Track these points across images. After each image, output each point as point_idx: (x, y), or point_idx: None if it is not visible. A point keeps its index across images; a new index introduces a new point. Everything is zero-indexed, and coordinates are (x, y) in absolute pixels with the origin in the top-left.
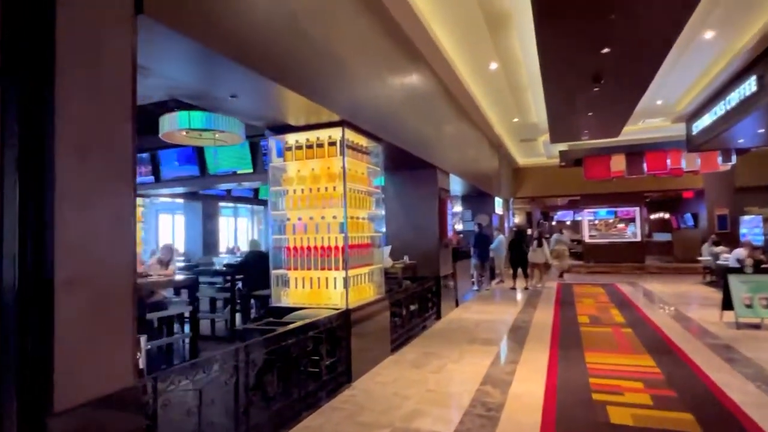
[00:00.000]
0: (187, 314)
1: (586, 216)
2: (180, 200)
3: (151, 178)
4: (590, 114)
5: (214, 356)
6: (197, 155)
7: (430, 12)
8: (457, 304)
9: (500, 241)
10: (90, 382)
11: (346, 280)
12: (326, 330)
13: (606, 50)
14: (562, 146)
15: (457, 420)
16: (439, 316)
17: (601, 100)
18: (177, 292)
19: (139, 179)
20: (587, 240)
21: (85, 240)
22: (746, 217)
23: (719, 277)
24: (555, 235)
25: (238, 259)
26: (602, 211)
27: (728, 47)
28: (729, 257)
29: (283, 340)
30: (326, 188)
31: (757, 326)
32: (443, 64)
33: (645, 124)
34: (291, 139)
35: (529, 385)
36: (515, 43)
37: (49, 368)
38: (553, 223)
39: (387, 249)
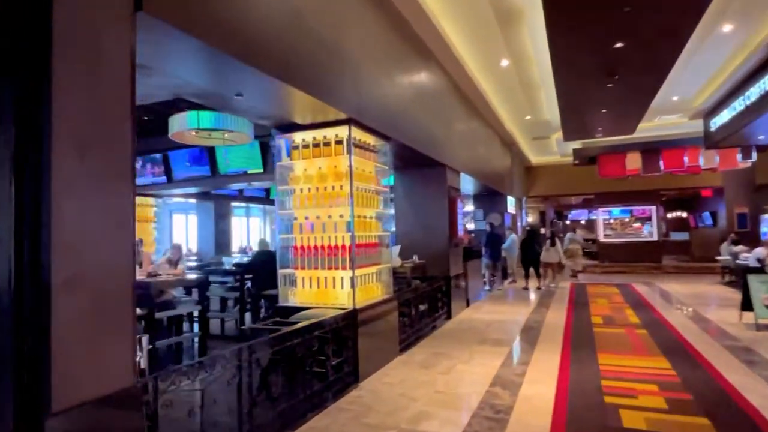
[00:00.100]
0: (196, 313)
1: (600, 215)
2: (193, 200)
3: (164, 178)
4: (604, 111)
5: (216, 356)
6: (208, 155)
7: (439, 8)
8: (468, 304)
9: (512, 240)
10: (88, 382)
11: (353, 279)
12: (332, 330)
13: (619, 45)
14: (576, 144)
15: (465, 422)
16: (449, 316)
17: (615, 97)
18: (188, 292)
19: (151, 180)
20: (602, 239)
21: (83, 240)
22: (767, 216)
23: (738, 277)
24: (568, 235)
25: (248, 258)
26: (617, 210)
27: (747, 40)
28: (749, 257)
29: (287, 340)
30: (333, 187)
31: None
32: (453, 61)
33: (661, 121)
34: (298, 137)
35: (540, 386)
36: (526, 39)
37: (47, 368)
38: (567, 222)
39: (396, 248)
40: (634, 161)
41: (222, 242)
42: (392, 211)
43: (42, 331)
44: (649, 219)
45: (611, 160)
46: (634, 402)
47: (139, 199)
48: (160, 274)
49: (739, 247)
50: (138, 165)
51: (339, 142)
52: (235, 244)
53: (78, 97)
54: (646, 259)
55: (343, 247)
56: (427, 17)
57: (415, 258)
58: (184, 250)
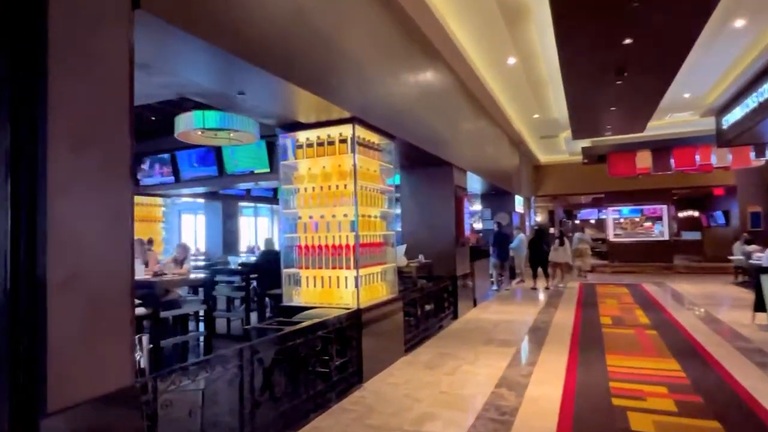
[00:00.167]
0: (202, 313)
1: (610, 214)
2: (201, 200)
3: (171, 178)
4: (613, 109)
5: (216, 356)
6: (215, 155)
7: (444, 5)
8: (475, 304)
9: (521, 240)
10: (85, 382)
11: (357, 279)
12: (336, 330)
13: (628, 41)
14: (585, 143)
15: (469, 424)
16: (456, 316)
17: (624, 94)
18: (195, 291)
19: (159, 179)
20: (612, 239)
21: (80, 238)
22: None
23: (752, 277)
24: (577, 235)
25: (254, 258)
26: (628, 209)
27: (760, 36)
28: (762, 256)
29: (290, 340)
30: (337, 186)
31: None
32: (459, 59)
33: (672, 119)
34: (302, 136)
35: (546, 388)
36: (534, 36)
37: (42, 368)
38: (577, 221)
39: (402, 248)
40: (644, 160)
41: (230, 242)
42: (398, 211)
43: (37, 331)
44: (660, 218)
45: (621, 159)
46: (642, 404)
47: (147, 199)
48: (165, 274)
49: (753, 247)
50: (146, 165)
51: (343, 141)
52: (244, 243)
53: (75, 94)
54: (656, 258)
55: (347, 246)
56: (433, 15)
57: (421, 257)
58: (192, 250)
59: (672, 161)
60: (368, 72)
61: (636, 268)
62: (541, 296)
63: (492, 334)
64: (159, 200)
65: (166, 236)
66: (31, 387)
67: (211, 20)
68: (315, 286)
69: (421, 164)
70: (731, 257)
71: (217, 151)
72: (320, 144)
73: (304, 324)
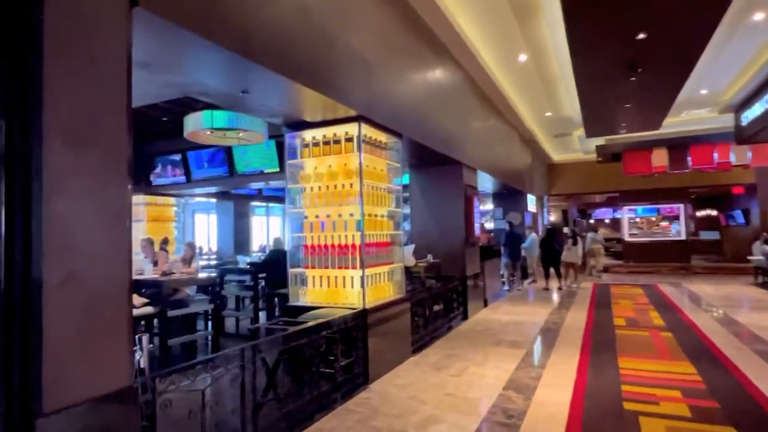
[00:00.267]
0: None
1: (626, 213)
2: (214, 200)
3: (183, 178)
4: (627, 106)
5: (217, 356)
6: (226, 155)
7: (453, 1)
8: (485, 304)
9: (533, 239)
10: (82, 382)
11: (362, 279)
12: (341, 330)
13: (642, 36)
14: (599, 141)
15: (474, 428)
16: (465, 317)
17: (638, 91)
18: (205, 290)
19: (171, 179)
20: (627, 238)
21: (77, 238)
22: None
23: None
24: (590, 235)
25: (263, 257)
26: (643, 209)
27: None
28: None
29: (293, 340)
30: (343, 185)
31: None
32: (469, 56)
33: (689, 116)
34: (308, 135)
35: (555, 391)
36: (545, 32)
37: (38, 369)
38: (591, 221)
39: (410, 248)
40: (660, 158)
41: (241, 241)
42: (407, 210)
43: (33, 331)
44: (677, 217)
45: (636, 157)
46: (655, 409)
47: (159, 199)
48: (174, 273)
49: None
50: (158, 168)
51: (349, 140)
52: (256, 243)
53: (71, 92)
54: (673, 259)
55: (354, 246)
56: (441, 11)
57: (430, 257)
58: (205, 249)
59: (689, 159)
60: (374, 70)
61: (652, 268)
62: (554, 297)
63: (502, 335)
64: (171, 200)
65: (178, 236)
66: (26, 387)
67: (213, 18)
68: (321, 285)
69: (430, 163)
70: (751, 257)
71: (228, 151)
72: (326, 143)
73: (307, 324)
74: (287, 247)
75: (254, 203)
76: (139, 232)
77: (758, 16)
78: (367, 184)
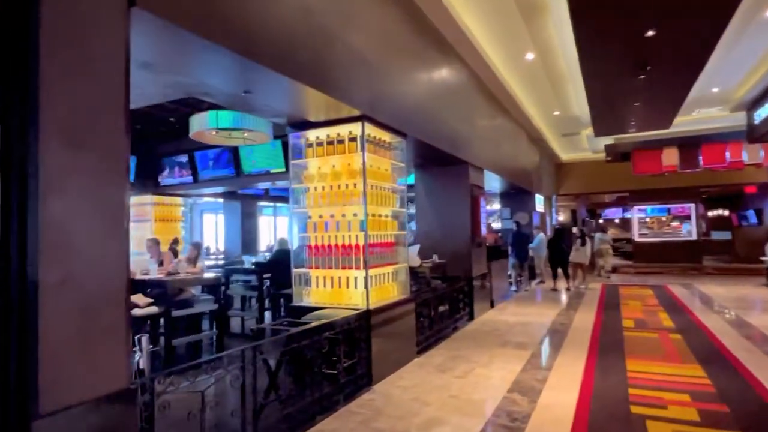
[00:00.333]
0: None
1: (636, 213)
2: (221, 200)
3: (190, 178)
4: (637, 104)
5: (218, 357)
6: (232, 155)
7: (459, 0)
8: (492, 305)
9: (540, 239)
10: (79, 383)
11: (366, 279)
12: (344, 331)
13: (651, 33)
14: (608, 140)
15: (478, 430)
16: (471, 317)
17: (648, 89)
18: (211, 290)
19: (178, 180)
20: (637, 239)
21: (74, 238)
22: None
23: None
24: (598, 235)
25: (268, 257)
26: (654, 208)
27: None
28: None
29: (295, 341)
30: (347, 185)
31: None
32: (474, 54)
33: (700, 114)
34: (311, 135)
35: (561, 394)
36: (552, 30)
37: (34, 370)
38: (601, 221)
39: (415, 248)
40: (671, 157)
41: (248, 241)
42: (412, 210)
43: (29, 332)
44: (688, 217)
45: (646, 156)
46: (663, 413)
47: (167, 199)
48: (179, 273)
49: None
50: (167, 171)
51: (353, 140)
52: (263, 243)
53: (68, 92)
54: (684, 259)
55: (357, 246)
56: (446, 9)
57: (435, 257)
58: (213, 249)
59: (700, 158)
60: (378, 69)
61: (662, 268)
62: (562, 297)
63: (508, 337)
64: (179, 200)
65: (185, 236)
66: (23, 388)
67: (213, 19)
68: (325, 286)
69: (436, 163)
70: (763, 258)
71: (234, 151)
72: (330, 143)
73: (310, 325)
74: (292, 247)
75: (262, 203)
76: (147, 231)
77: None
78: (370, 184)
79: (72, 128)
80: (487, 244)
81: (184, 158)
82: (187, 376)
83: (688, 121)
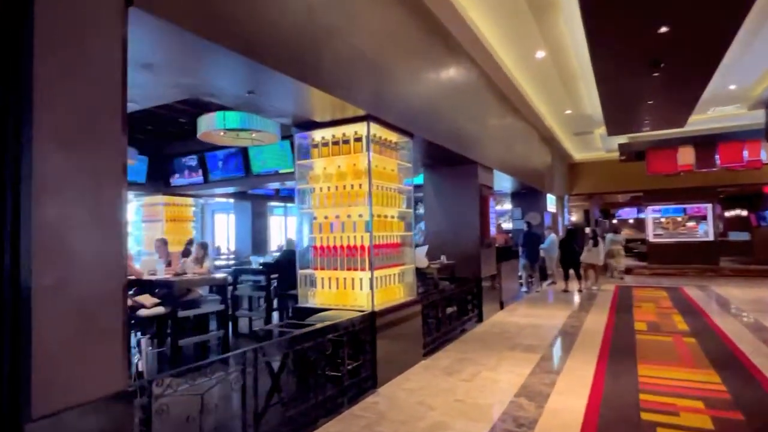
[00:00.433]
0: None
1: (650, 214)
2: (232, 200)
3: (201, 178)
4: (650, 103)
5: (218, 359)
6: (242, 156)
7: None
8: (501, 307)
9: (552, 240)
10: (74, 386)
11: (371, 280)
12: (348, 333)
13: (664, 29)
14: (622, 139)
15: None
16: (480, 319)
17: (661, 87)
18: (220, 291)
19: (189, 180)
20: (651, 239)
21: (69, 240)
22: None
23: None
24: (609, 236)
25: (276, 257)
26: (669, 209)
27: None
28: None
29: (298, 344)
30: (352, 186)
31: None
32: (484, 53)
33: (716, 113)
34: (317, 135)
35: (570, 398)
36: (562, 27)
37: (27, 373)
38: (614, 221)
39: (423, 249)
40: (686, 156)
41: (259, 241)
42: (420, 211)
43: (22, 335)
44: (704, 217)
45: (661, 156)
46: (674, 420)
47: (178, 199)
48: (186, 273)
49: None
50: (178, 173)
51: (358, 140)
52: (274, 243)
53: (63, 92)
54: (700, 260)
55: (362, 247)
56: (453, 7)
57: (443, 258)
58: (224, 249)
59: (717, 157)
60: (383, 69)
61: (677, 270)
62: (573, 299)
63: (517, 339)
64: (190, 200)
65: (196, 236)
66: (15, 392)
67: (214, 19)
68: (330, 287)
69: (445, 163)
70: None
71: (244, 151)
72: (335, 143)
73: (313, 327)
74: (298, 247)
75: (272, 203)
76: (158, 232)
77: None
78: (376, 184)
79: (67, 129)
80: (497, 245)
81: (194, 159)
82: (188, 379)
83: (704, 119)
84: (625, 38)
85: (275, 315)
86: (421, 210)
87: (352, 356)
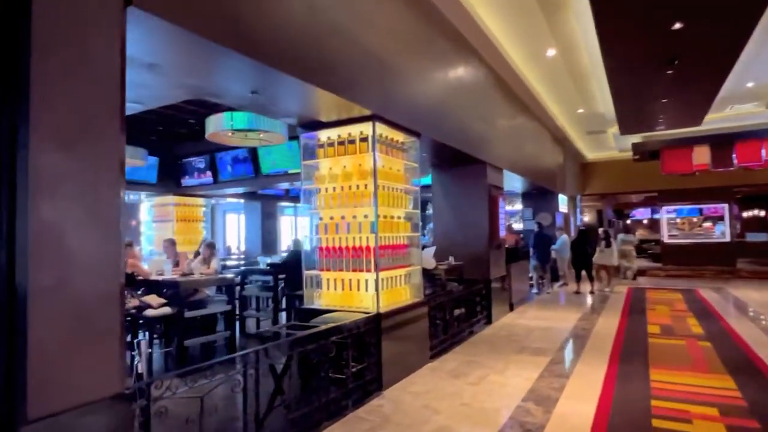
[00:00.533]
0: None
1: (665, 214)
2: (242, 200)
3: (210, 179)
4: (665, 101)
5: (218, 361)
6: (251, 156)
7: None
8: (511, 308)
9: (563, 241)
10: (70, 388)
11: (377, 282)
12: (353, 335)
13: (678, 26)
14: (635, 138)
15: None
16: (489, 321)
17: (676, 85)
18: (228, 291)
19: (199, 180)
20: (666, 240)
21: (66, 240)
22: None
23: None
24: (620, 236)
25: (284, 257)
26: (684, 209)
27: None
28: None
29: (301, 345)
30: (358, 186)
31: None
32: (493, 51)
33: (733, 111)
34: (323, 135)
35: (579, 404)
36: (573, 25)
37: (23, 375)
38: (628, 221)
39: (431, 250)
40: (702, 155)
41: (269, 241)
42: (429, 211)
43: (18, 336)
44: (721, 218)
45: (676, 155)
46: (687, 428)
47: (188, 199)
48: (193, 273)
49: None
50: (188, 175)
51: (364, 140)
52: (284, 243)
53: (61, 91)
54: (717, 262)
55: (368, 248)
56: (461, 4)
57: (451, 259)
58: (234, 249)
59: (734, 157)
60: (389, 68)
61: (693, 272)
62: (584, 301)
63: (526, 342)
64: (200, 200)
65: (206, 236)
66: (10, 394)
67: (216, 19)
68: (336, 288)
69: (453, 163)
70: None
71: (253, 152)
72: (341, 143)
73: (317, 329)
74: (307, 247)
75: (282, 203)
76: (169, 232)
77: None
78: (382, 184)
79: (65, 128)
80: (507, 246)
81: (204, 159)
82: (189, 380)
83: (720, 117)
84: (637, 35)
85: (283, 315)
86: (430, 211)
87: (356, 358)
